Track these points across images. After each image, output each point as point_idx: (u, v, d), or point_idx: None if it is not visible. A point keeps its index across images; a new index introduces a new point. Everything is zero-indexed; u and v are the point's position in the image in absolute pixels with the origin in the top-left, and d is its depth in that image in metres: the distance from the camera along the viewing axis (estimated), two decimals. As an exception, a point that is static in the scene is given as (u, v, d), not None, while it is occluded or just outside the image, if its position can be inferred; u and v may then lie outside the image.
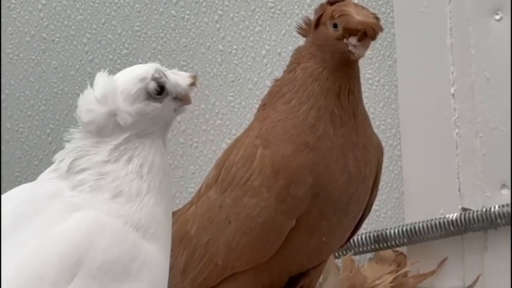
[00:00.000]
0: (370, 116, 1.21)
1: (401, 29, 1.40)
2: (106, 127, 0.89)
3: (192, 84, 0.93)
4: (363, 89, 1.19)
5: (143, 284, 0.88)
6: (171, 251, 0.99)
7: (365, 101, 1.19)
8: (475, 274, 1.38)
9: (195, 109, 1.52)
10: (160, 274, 0.91)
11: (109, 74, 0.91)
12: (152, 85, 0.89)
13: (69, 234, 0.86)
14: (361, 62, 1.18)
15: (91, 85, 0.91)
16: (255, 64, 1.49)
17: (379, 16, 1.15)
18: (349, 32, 1.08)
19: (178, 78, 0.93)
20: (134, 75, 0.90)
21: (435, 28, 1.39)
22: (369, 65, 1.42)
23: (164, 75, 0.91)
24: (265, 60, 1.48)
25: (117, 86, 0.90)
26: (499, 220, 1.41)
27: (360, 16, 1.10)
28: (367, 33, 1.09)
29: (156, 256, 0.90)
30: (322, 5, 1.16)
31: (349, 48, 1.08)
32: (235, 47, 1.50)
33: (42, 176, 0.92)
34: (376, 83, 1.44)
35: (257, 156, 1.14)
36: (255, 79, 1.49)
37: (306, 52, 1.13)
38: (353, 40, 1.08)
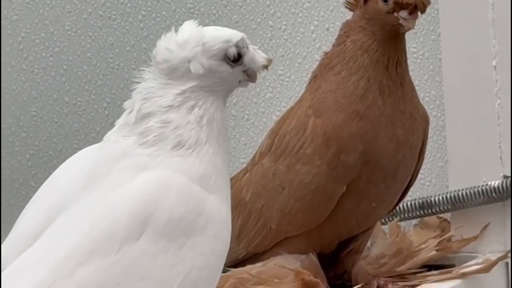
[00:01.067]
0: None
1: (445, 4, 1.39)
2: (178, 70, 0.91)
3: (265, 67, 0.94)
4: (408, 62, 1.23)
5: (208, 238, 0.88)
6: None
7: (410, 73, 1.21)
8: (517, 239, 1.33)
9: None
10: (223, 229, 0.91)
11: (198, 25, 0.92)
12: (232, 51, 0.90)
13: (136, 194, 0.86)
14: (406, 37, 1.20)
15: (176, 31, 0.92)
16: (304, 39, 1.47)
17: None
18: (400, 6, 1.10)
19: (256, 55, 0.94)
20: (221, 34, 0.91)
21: (477, 3, 1.37)
22: (414, 39, 1.42)
23: (247, 47, 0.92)
24: (313, 35, 1.46)
25: (202, 37, 0.91)
26: (539, 187, 1.35)
27: None
28: (417, 6, 1.12)
29: (219, 212, 0.90)
30: None
31: (400, 21, 1.11)
32: (284, 23, 1.49)
33: (109, 136, 0.90)
34: (420, 57, 1.43)
35: (309, 125, 1.16)
36: (304, 53, 1.47)
37: (356, 25, 1.16)
38: (403, 14, 1.10)
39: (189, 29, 0.90)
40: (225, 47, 0.89)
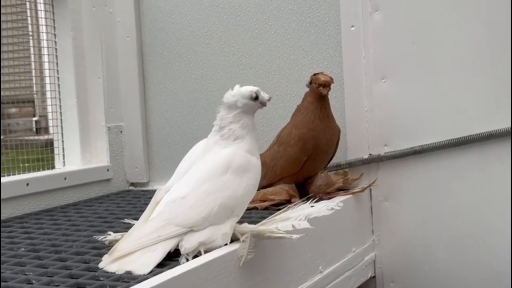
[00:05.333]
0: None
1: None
2: (232, 105, 1.35)
3: (269, 99, 1.39)
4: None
5: (252, 174, 1.36)
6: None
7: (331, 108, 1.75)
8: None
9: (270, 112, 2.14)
10: (259, 171, 1.39)
11: (240, 86, 1.36)
12: (253, 95, 1.37)
13: (224, 156, 1.34)
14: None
15: (232, 89, 1.36)
16: (295, 91, 2.12)
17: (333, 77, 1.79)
18: (319, 85, 1.78)
19: (264, 95, 1.37)
20: (249, 89, 1.37)
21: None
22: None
23: (259, 92, 1.37)
24: (297, 90, 2.06)
25: (240, 91, 1.36)
26: None
27: (323, 77, 1.76)
28: (326, 84, 1.77)
29: (257, 164, 1.37)
30: (311, 76, 1.81)
31: (320, 91, 1.77)
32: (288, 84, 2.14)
33: (210, 135, 1.38)
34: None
35: (292, 132, 1.82)
36: (295, 95, 2.10)
37: (308, 94, 1.83)
38: (321, 88, 1.78)
39: (235, 88, 1.37)
40: (250, 94, 1.36)
